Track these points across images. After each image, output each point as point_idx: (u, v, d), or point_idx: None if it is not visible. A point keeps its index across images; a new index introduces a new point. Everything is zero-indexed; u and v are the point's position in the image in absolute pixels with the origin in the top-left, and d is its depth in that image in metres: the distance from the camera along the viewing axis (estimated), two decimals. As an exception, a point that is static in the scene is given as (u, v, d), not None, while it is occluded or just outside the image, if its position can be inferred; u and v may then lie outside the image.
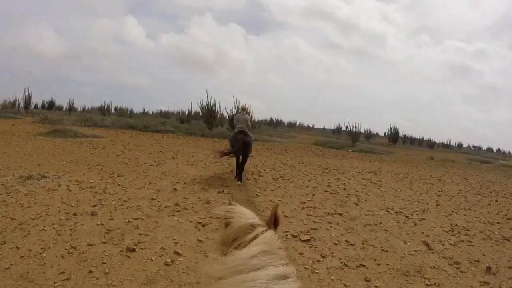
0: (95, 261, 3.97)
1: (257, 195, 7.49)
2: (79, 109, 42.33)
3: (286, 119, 60.48)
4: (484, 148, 62.98)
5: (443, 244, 5.46)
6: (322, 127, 62.79)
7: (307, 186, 8.94)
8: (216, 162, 11.65)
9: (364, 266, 4.37)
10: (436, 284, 4.05)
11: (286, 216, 6.12)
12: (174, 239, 4.85)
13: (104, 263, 3.96)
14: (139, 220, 5.44)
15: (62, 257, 4.00)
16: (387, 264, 4.50)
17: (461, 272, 4.47)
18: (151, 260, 4.13)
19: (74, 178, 7.77)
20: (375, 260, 4.60)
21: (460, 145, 56.94)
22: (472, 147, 60.80)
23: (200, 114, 26.82)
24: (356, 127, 33.26)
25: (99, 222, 5.20)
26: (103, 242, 4.57)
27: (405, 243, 5.42)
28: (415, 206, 8.02)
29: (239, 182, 8.36)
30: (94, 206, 5.94)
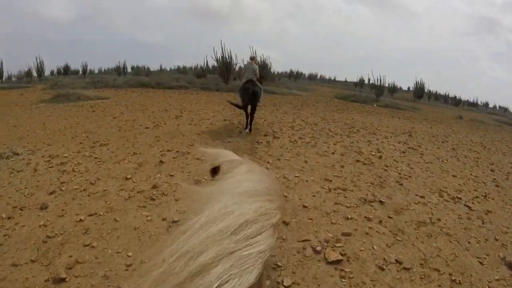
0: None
1: (268, 167, 5.41)
2: (95, 71, 39.80)
3: (306, 71, 56.76)
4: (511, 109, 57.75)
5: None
6: (344, 80, 58.60)
7: (333, 153, 6.80)
8: (224, 120, 9.60)
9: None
10: None
11: (305, 207, 4.08)
12: (128, 256, 2.94)
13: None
14: (94, 218, 3.69)
15: None
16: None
17: None
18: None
19: (50, 152, 6.22)
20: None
21: (486, 105, 52.37)
22: (498, 108, 55.90)
23: (216, 67, 24.29)
24: (380, 80, 30.02)
25: (42, 223, 3.57)
26: (32, 261, 2.94)
27: (479, 261, 3.35)
28: (472, 187, 5.81)
29: (246, 130, 8.13)
30: (51, 193, 4.35)
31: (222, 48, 21.92)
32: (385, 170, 6.12)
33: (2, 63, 26.67)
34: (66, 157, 5.87)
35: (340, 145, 7.60)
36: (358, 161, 6.43)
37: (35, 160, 5.76)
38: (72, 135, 7.64)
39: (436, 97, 46.21)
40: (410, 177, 5.93)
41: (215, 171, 1.21)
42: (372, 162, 6.47)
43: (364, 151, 7.27)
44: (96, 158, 5.81)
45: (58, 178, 4.89)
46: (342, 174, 5.51)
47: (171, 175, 4.95)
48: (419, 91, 37.96)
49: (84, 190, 4.46)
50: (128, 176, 4.89)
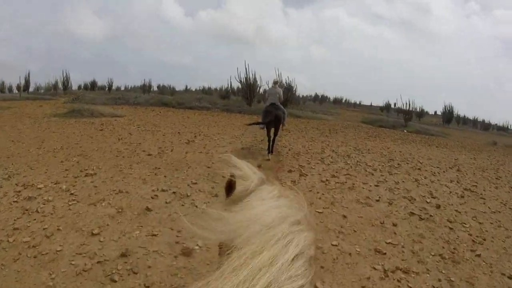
0: None
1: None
2: (122, 88, 39.42)
3: (331, 95, 54.59)
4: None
5: None
6: (369, 104, 56.31)
7: (378, 200, 5.03)
8: (242, 148, 8.04)
9: None
10: None
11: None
12: None
13: None
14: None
15: None
16: None
17: None
18: None
19: (27, 179, 5.03)
20: None
21: None
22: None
23: (239, 89, 23.00)
24: (409, 105, 27.75)
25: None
26: None
27: None
28: None
29: (269, 156, 7.36)
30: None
31: (246, 69, 20.63)
32: (451, 229, 4.32)
33: (29, 74, 26.68)
34: (40, 188, 4.58)
35: (384, 187, 5.81)
36: (412, 213, 4.64)
37: (5, 188, 4.59)
38: (64, 158, 6.37)
39: (465, 121, 43.20)
40: (484, 240, 4.14)
41: (230, 187, 0.83)
42: (431, 215, 4.66)
43: (415, 197, 5.45)
44: (72, 194, 4.40)
45: (15, 220, 3.60)
46: (397, 240, 3.74)
47: (154, 235, 3.36)
48: (448, 116, 35.39)
49: (33, 246, 3.10)
50: (96, 231, 3.37)
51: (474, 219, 4.89)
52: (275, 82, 8.18)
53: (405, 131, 20.90)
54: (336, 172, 6.47)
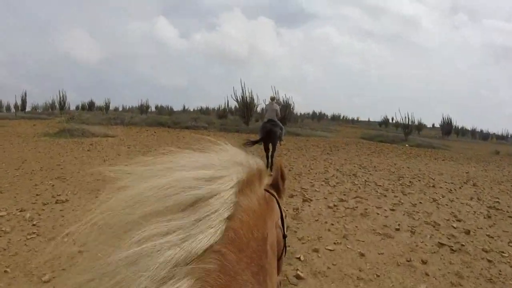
0: None
1: (298, 278, 2.85)
2: (120, 109, 38.69)
3: (328, 112, 53.96)
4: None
5: None
6: (367, 120, 55.76)
7: (398, 228, 4.16)
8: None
9: None
10: None
11: None
12: None
13: None
14: None
15: None
16: None
17: None
18: None
19: None
20: None
21: None
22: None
23: (237, 108, 22.30)
24: (408, 119, 27.00)
25: None
26: None
27: None
28: None
29: (270, 171, 6.46)
30: None
31: (242, 87, 19.97)
32: (489, 261, 3.48)
33: (25, 94, 26.24)
34: (1, 216, 3.91)
35: (401, 211, 4.96)
36: (441, 244, 3.78)
37: None
38: (39, 181, 5.68)
39: (463, 133, 42.48)
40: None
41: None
42: (463, 245, 3.82)
43: (439, 221, 4.61)
44: (34, 225, 3.72)
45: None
46: (432, 284, 2.89)
47: None
48: (446, 128, 34.71)
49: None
50: (46, 278, 2.65)
51: (511, 244, 4.05)
52: (272, 99, 8.06)
53: (407, 145, 20.14)
54: (344, 195, 5.63)
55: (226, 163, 0.57)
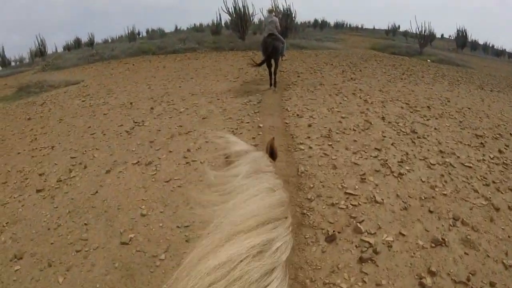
0: None
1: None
2: (109, 41, 32.39)
3: (329, 19, 47.24)
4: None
5: None
6: (372, 27, 49.56)
7: None
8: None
9: None
10: None
11: None
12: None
13: None
14: None
15: None
16: None
17: None
18: None
19: None
20: None
21: None
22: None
23: (230, 21, 17.68)
24: (425, 29, 22.58)
25: None
26: None
27: None
28: None
29: (271, 88, 6.79)
30: None
31: (234, -5, 15.28)
32: None
33: (3, 49, 21.06)
34: None
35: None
36: None
37: None
38: None
39: (474, 46, 37.73)
40: None
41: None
42: None
43: None
44: None
45: None
46: None
47: None
48: (462, 40, 30.16)
49: None
50: None
51: None
52: (269, 11, 7.53)
53: (429, 60, 16.59)
54: (424, 195, 2.72)
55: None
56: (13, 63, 25.63)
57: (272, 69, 6.79)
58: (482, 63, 22.69)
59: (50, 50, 28.04)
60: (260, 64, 6.80)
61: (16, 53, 29.83)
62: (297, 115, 4.92)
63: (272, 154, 0.88)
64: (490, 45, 38.38)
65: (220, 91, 6.51)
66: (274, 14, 7.54)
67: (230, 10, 15.31)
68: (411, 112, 5.33)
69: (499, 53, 36.38)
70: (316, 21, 43.25)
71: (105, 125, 5.05)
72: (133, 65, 11.80)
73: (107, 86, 8.10)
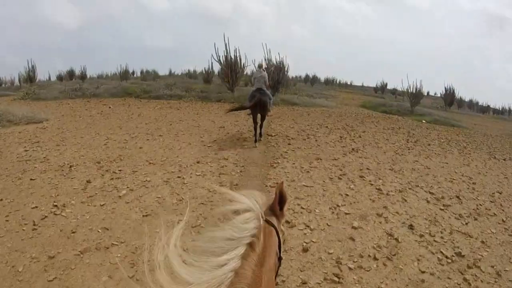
0: None
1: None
2: (104, 76, 31.86)
3: (320, 75, 47.47)
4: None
5: None
6: (361, 85, 50.15)
7: None
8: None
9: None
10: None
11: None
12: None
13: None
14: None
15: None
16: None
17: None
18: None
19: None
20: None
21: (509, 111, 42.87)
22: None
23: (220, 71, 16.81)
24: (416, 88, 22.08)
25: None
26: None
27: None
28: None
29: (256, 144, 6.52)
30: None
31: (226, 45, 14.43)
32: None
33: None
34: None
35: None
36: None
37: None
38: None
39: (460, 104, 37.78)
40: None
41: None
42: None
43: None
44: None
45: None
46: None
47: None
48: (449, 98, 29.97)
49: None
50: None
51: None
52: (259, 66, 7.57)
53: (424, 121, 15.68)
54: None
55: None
56: (3, 85, 24.36)
57: (258, 125, 6.77)
58: (471, 121, 22.17)
59: (45, 77, 27.04)
60: (239, 109, 6.87)
61: (14, 75, 28.35)
62: (286, 221, 3.35)
63: (281, 199, 0.89)
64: (475, 102, 38.65)
65: (186, 162, 5.05)
66: (263, 69, 7.72)
67: (221, 59, 14.42)
68: (441, 209, 3.88)
69: (484, 110, 36.42)
70: (307, 76, 43.62)
71: (18, 203, 3.50)
72: (110, 107, 10.60)
73: (64, 133, 6.91)
